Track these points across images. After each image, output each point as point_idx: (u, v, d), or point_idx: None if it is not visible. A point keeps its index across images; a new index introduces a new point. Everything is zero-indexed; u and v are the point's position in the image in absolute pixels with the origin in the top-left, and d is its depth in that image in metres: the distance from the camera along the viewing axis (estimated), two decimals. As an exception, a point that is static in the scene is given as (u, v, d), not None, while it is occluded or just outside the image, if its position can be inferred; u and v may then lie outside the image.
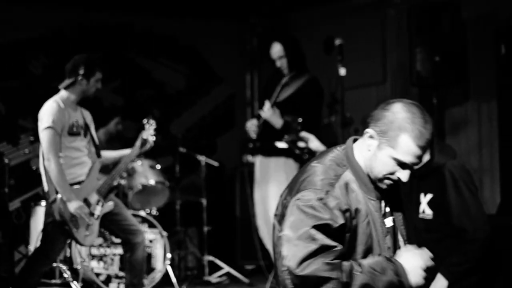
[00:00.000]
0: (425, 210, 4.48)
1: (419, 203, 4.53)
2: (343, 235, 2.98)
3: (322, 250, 2.89)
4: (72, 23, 9.37)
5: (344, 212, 2.96)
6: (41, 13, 9.14)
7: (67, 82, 5.72)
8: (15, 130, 8.61)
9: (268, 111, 6.62)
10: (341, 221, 2.94)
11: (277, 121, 6.58)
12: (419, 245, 4.57)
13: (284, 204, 3.14)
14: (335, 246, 2.91)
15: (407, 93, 8.19)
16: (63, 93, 5.72)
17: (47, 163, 5.48)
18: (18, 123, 8.64)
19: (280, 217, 3.13)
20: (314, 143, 5.34)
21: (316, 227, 2.90)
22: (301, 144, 5.42)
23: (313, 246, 2.88)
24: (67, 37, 9.32)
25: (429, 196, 4.46)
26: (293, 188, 3.16)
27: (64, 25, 9.34)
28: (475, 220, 4.26)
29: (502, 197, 6.34)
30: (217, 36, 10.45)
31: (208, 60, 10.52)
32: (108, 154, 6.17)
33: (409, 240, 3.28)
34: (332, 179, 3.03)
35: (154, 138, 6.19)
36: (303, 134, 5.40)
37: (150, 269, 7.21)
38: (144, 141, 6.05)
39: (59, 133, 5.51)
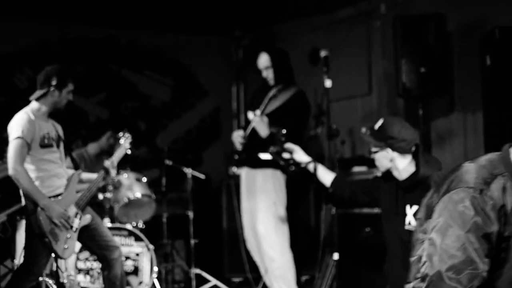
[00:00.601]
0: (411, 222, 4.48)
1: (405, 214, 4.54)
2: (496, 245, 2.57)
3: (467, 264, 2.51)
4: (58, 36, 9.36)
5: (499, 215, 2.56)
6: (26, 26, 9.11)
7: (38, 93, 5.63)
8: (0, 144, 8.56)
9: (257, 117, 6.61)
10: (495, 227, 2.55)
11: (264, 130, 6.58)
12: (406, 257, 4.58)
13: (429, 206, 2.79)
14: (480, 267, 2.52)
15: (392, 105, 8.22)
16: (34, 105, 5.65)
17: (13, 172, 5.38)
18: (3, 137, 8.60)
19: (423, 220, 2.77)
20: (299, 155, 5.32)
21: (467, 234, 2.53)
22: (286, 156, 5.40)
23: (458, 258, 2.51)
24: (52, 49, 9.31)
25: (415, 207, 4.47)
26: (441, 188, 2.76)
27: (50, 37, 9.32)
28: None
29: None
30: (203, 48, 10.46)
31: (193, 72, 10.52)
32: (85, 175, 6.12)
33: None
34: (488, 178, 2.66)
35: (129, 152, 6.19)
36: (288, 145, 5.39)
37: (138, 283, 7.17)
38: (107, 171, 6.00)
39: (28, 144, 5.44)
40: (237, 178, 7.32)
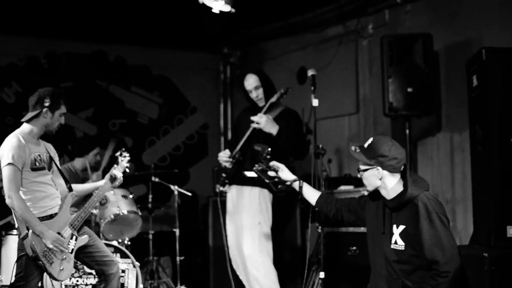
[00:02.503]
0: (397, 241, 4.49)
1: (391, 234, 4.54)
2: None
3: None
4: (46, 51, 9.35)
5: None
6: (15, 41, 9.12)
7: (30, 115, 5.57)
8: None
9: (262, 118, 6.61)
10: None
11: (273, 127, 6.60)
12: (390, 276, 4.58)
13: None
14: None
15: (379, 124, 8.24)
16: (24, 127, 5.60)
17: (8, 200, 5.35)
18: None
19: None
20: (285, 173, 5.31)
21: None
22: (271, 174, 5.40)
23: None
24: (40, 65, 9.29)
25: (402, 227, 4.48)
26: None
27: (38, 52, 9.31)
28: (447, 252, 4.27)
29: (475, 228, 6.35)
30: (191, 65, 10.48)
31: (181, 89, 10.53)
32: (79, 188, 6.10)
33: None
34: None
35: (127, 171, 6.17)
36: (274, 163, 5.38)
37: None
38: (113, 178, 6.00)
39: (19, 169, 5.41)
40: (223, 195, 7.31)
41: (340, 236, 7.10)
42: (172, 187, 8.26)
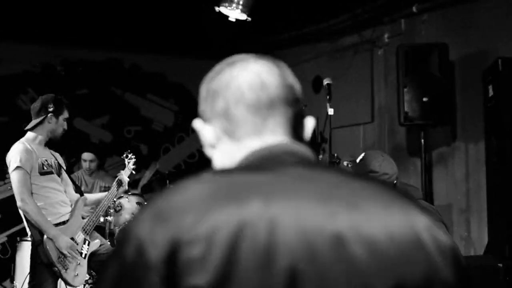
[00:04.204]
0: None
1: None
2: None
3: None
4: (62, 58, 9.40)
5: None
6: (31, 48, 9.16)
7: (34, 122, 5.57)
8: (2, 165, 8.57)
9: None
10: None
11: None
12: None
13: None
14: None
15: (394, 133, 8.22)
16: (29, 135, 5.60)
17: (21, 204, 5.34)
18: (4, 157, 8.61)
19: None
20: None
21: None
22: None
23: None
24: (56, 72, 9.34)
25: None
26: None
27: (54, 60, 9.36)
28: None
29: (489, 238, 6.33)
30: (206, 73, 10.46)
31: (196, 97, 10.47)
32: (90, 197, 6.12)
33: None
34: None
35: (133, 172, 6.21)
36: None
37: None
38: (120, 182, 6.02)
39: (28, 173, 5.42)
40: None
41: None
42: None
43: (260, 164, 1.49)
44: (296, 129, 1.59)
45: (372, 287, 1.29)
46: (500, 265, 5.29)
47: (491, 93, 6.07)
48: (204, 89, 1.81)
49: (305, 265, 1.26)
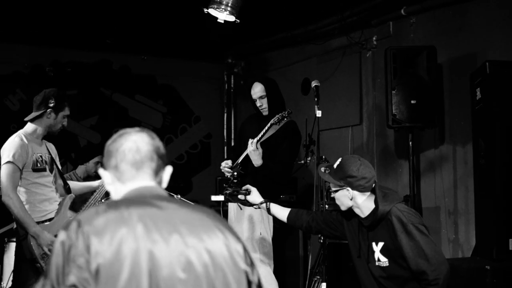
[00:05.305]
0: (380, 258, 4.47)
1: (373, 252, 4.53)
2: None
3: None
4: (51, 59, 9.37)
5: None
6: (20, 49, 9.14)
7: (34, 114, 5.60)
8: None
9: (251, 146, 6.60)
10: None
11: (257, 160, 6.57)
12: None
13: None
14: None
15: (382, 135, 8.24)
16: (28, 127, 5.63)
17: (6, 198, 5.35)
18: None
19: None
20: (253, 196, 5.42)
21: None
22: (240, 197, 5.51)
23: None
24: (45, 73, 9.31)
25: (381, 244, 4.46)
26: None
27: (42, 61, 9.34)
28: (432, 260, 4.25)
29: (477, 241, 6.36)
30: (195, 75, 10.50)
31: (185, 98, 10.55)
32: (76, 186, 6.12)
33: None
34: None
35: None
36: (247, 187, 5.49)
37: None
38: None
39: (19, 169, 5.42)
40: (225, 205, 7.30)
41: (342, 247, 7.09)
42: (174, 196, 8.25)
43: (135, 198, 2.55)
44: (157, 176, 2.72)
45: None
46: (488, 267, 5.31)
47: (479, 96, 6.10)
48: (106, 149, 2.70)
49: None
